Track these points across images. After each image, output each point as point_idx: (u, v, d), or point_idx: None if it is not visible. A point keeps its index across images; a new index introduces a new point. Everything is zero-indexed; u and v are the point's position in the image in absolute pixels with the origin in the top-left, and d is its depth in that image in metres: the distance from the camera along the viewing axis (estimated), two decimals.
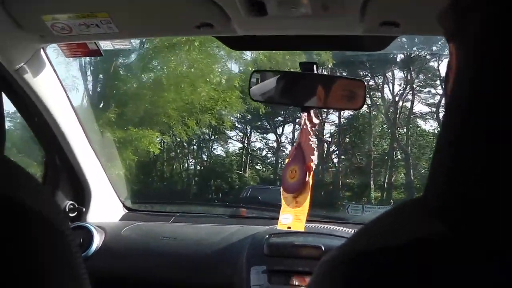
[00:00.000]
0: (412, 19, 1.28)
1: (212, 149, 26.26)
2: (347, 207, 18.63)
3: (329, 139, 24.82)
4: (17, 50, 1.61)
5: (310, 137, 1.68)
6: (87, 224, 2.05)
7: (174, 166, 24.79)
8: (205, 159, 26.14)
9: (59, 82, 1.84)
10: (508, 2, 0.48)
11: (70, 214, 2.11)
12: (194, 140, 23.57)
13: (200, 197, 22.25)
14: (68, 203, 2.10)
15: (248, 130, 26.69)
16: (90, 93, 14.95)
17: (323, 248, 1.72)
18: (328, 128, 25.10)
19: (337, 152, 25.04)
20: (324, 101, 1.63)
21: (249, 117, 24.25)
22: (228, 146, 26.63)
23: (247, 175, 25.17)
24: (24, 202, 0.55)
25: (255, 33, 1.44)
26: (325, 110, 22.07)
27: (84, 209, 2.14)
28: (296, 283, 1.70)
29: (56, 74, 1.81)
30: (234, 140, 26.49)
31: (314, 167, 1.67)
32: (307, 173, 1.66)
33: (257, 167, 27.33)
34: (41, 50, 1.71)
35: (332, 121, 24.77)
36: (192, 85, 14.54)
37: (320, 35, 1.45)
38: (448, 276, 0.47)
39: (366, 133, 24.18)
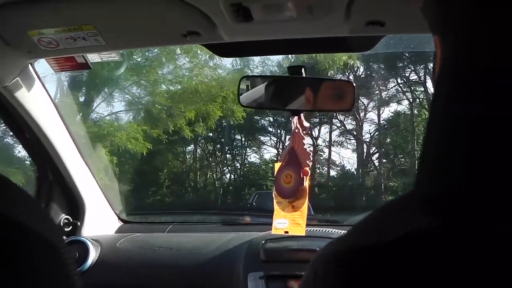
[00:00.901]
0: (397, 17, 1.29)
1: (243, 155, 24.14)
2: None
3: (369, 140, 23.17)
4: (5, 67, 1.61)
5: (303, 141, 1.68)
6: (82, 238, 2.04)
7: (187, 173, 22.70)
8: (237, 165, 24.21)
9: (48, 97, 1.83)
10: (482, 5, 0.48)
11: (65, 229, 2.10)
12: (218, 143, 21.94)
13: (233, 205, 20.47)
14: (62, 218, 2.09)
15: (283, 134, 24.00)
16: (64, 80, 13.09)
17: None
18: (367, 128, 23.41)
19: (377, 153, 23.21)
20: (313, 104, 1.63)
21: (282, 119, 22.34)
22: (262, 152, 24.45)
23: None
24: (18, 218, 0.54)
25: (242, 39, 1.45)
26: (364, 109, 21.40)
27: (79, 223, 2.13)
28: (294, 287, 1.70)
29: (45, 89, 1.81)
30: (267, 145, 24.44)
31: (309, 172, 1.67)
32: (304, 178, 1.66)
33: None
34: (29, 65, 1.70)
35: (372, 120, 23.06)
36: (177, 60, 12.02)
37: (307, 38, 1.46)
38: (439, 269, 0.47)
39: (408, 131, 22.24)
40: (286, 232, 1.71)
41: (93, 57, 1.67)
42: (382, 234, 0.52)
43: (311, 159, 1.68)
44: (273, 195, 1.73)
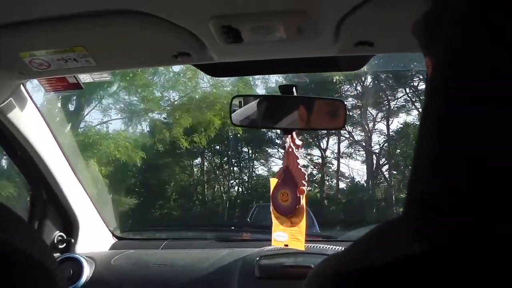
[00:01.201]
0: (386, 37, 1.29)
1: (250, 167, 22.84)
2: None
3: (378, 151, 22.08)
4: None
5: (297, 160, 1.69)
6: (76, 256, 2.03)
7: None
8: (245, 179, 22.72)
9: (40, 116, 1.84)
10: (478, 8, 0.49)
11: (59, 246, 2.10)
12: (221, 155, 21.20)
13: (229, 221, 19.29)
14: (56, 235, 2.09)
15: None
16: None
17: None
18: (377, 139, 22.31)
19: (387, 165, 22.13)
20: (306, 123, 1.63)
21: None
22: (269, 165, 22.81)
23: None
24: (9, 240, 0.54)
25: (232, 60, 1.45)
26: (372, 119, 21.13)
27: (73, 240, 2.12)
28: None
29: (37, 108, 1.81)
30: (275, 158, 22.68)
31: (305, 191, 1.68)
32: (300, 197, 1.67)
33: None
34: (21, 85, 1.71)
35: (381, 131, 21.96)
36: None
37: (297, 58, 1.46)
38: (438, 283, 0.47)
39: None
40: (286, 245, 1.72)
41: (85, 77, 1.67)
42: (375, 257, 0.52)
43: (306, 178, 1.69)
44: (271, 210, 1.73)
